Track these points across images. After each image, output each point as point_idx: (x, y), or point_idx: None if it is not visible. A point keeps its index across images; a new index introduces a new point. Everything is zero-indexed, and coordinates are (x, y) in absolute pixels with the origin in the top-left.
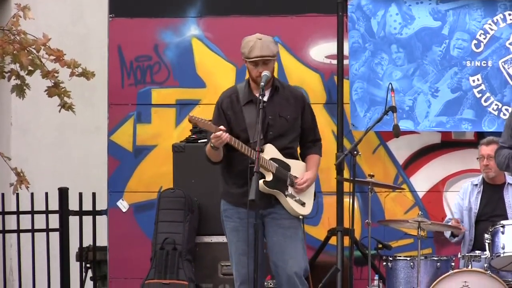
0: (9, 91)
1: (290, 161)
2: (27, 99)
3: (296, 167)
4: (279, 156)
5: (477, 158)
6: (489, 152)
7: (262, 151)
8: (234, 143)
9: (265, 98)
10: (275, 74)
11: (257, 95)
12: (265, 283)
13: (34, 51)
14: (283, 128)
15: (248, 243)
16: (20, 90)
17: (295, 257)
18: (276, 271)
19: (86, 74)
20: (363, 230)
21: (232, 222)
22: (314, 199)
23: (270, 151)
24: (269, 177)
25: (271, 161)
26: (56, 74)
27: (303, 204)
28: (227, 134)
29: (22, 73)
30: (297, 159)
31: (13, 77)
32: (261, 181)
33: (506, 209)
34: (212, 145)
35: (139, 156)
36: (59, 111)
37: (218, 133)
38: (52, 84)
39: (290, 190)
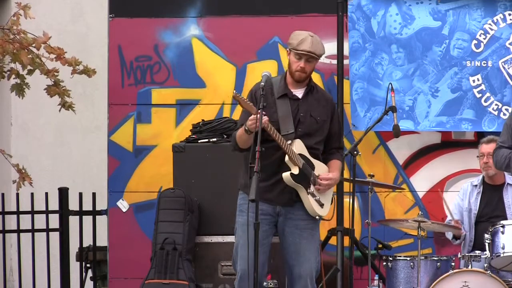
0: (9, 90)
1: (314, 161)
2: (27, 99)
3: (319, 168)
4: (306, 153)
5: (477, 156)
6: (489, 150)
7: (291, 144)
8: (270, 130)
9: (300, 96)
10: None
11: (292, 90)
12: (265, 283)
13: (35, 50)
14: (312, 127)
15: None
16: (20, 89)
17: (309, 259)
18: (289, 270)
19: (88, 72)
20: (363, 230)
21: (244, 217)
22: (331, 203)
23: (299, 147)
24: (295, 171)
25: (299, 156)
26: (56, 73)
27: (321, 205)
28: (266, 118)
29: (21, 72)
30: (321, 161)
31: (13, 76)
32: (288, 173)
33: (505, 209)
34: (246, 127)
35: (139, 156)
36: (59, 110)
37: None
38: (52, 83)
39: (312, 188)
